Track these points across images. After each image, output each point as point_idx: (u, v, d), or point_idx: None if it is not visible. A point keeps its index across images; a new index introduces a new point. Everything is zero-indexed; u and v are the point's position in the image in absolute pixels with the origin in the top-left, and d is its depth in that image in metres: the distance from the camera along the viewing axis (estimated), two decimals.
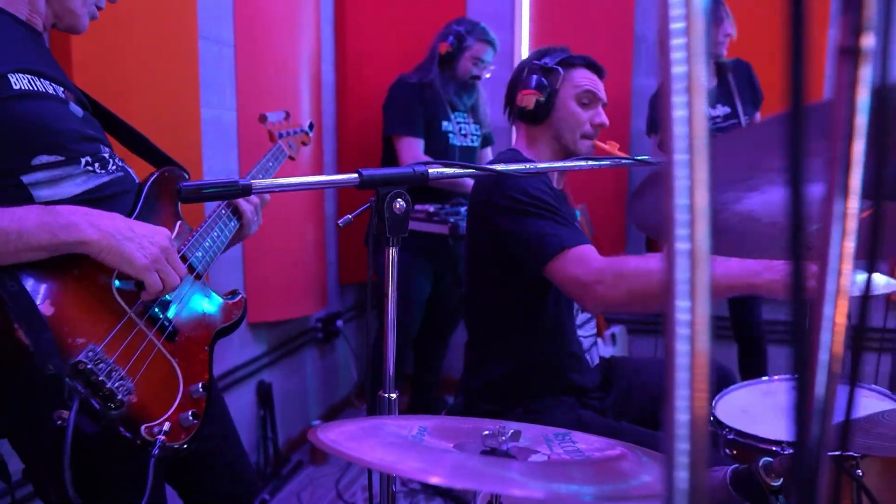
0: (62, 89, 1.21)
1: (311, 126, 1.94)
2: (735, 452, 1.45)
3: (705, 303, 0.34)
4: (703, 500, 0.35)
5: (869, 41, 0.41)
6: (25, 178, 1.11)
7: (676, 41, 0.33)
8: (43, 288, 1.07)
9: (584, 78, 1.69)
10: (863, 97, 0.43)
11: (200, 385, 1.23)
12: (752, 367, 2.80)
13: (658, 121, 2.70)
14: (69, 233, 1.07)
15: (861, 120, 0.44)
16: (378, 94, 2.91)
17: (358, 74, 3.26)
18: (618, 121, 3.20)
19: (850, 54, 0.43)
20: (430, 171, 1.14)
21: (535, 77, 1.68)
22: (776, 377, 1.74)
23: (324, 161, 3.00)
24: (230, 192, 0.98)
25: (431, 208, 2.61)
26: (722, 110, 2.64)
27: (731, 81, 2.62)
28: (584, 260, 1.42)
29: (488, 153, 3.05)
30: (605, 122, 1.69)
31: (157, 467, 1.11)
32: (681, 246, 0.33)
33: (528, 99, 1.67)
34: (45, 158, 1.13)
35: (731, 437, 1.47)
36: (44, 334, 1.03)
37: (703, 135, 0.33)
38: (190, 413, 1.18)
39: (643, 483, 0.74)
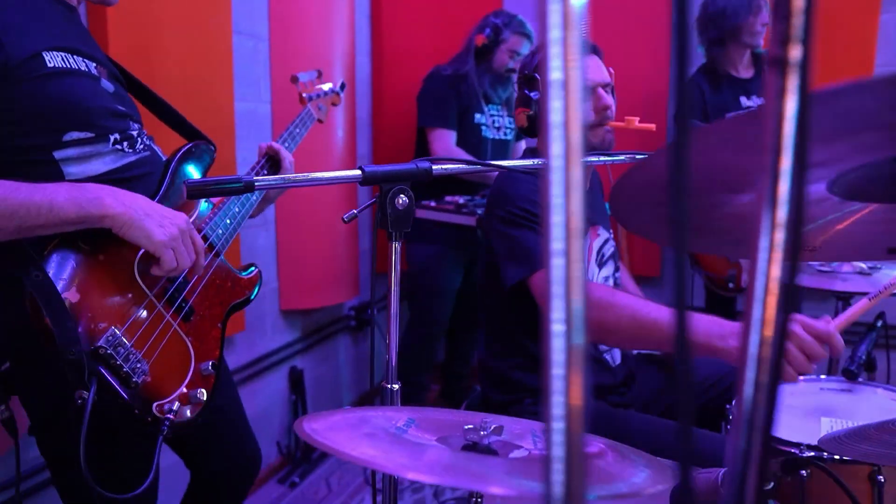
0: (95, 65, 1.27)
1: (342, 86, 1.97)
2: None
3: (580, 299, 0.35)
4: (580, 496, 0.36)
5: (797, 52, 0.42)
6: (57, 154, 1.18)
7: (553, 49, 0.34)
8: (70, 275, 1.14)
9: None
10: (791, 108, 0.43)
11: (210, 363, 1.29)
12: None
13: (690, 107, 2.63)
14: (95, 206, 1.13)
15: (789, 130, 0.44)
16: (415, 87, 2.94)
17: (395, 67, 3.29)
18: (656, 110, 3.15)
19: (778, 65, 0.43)
20: (435, 167, 1.16)
21: (523, 90, 1.65)
22: (802, 378, 1.70)
23: (358, 154, 3.04)
24: (234, 189, 1.03)
25: (461, 200, 2.63)
26: (758, 102, 2.57)
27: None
28: None
29: (522, 146, 3.05)
30: (608, 104, 1.60)
31: (161, 442, 1.17)
32: (556, 246, 0.34)
33: (521, 118, 1.65)
34: (75, 135, 1.19)
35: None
36: (67, 322, 1.09)
37: (578, 139, 0.34)
38: (199, 391, 1.23)
39: (613, 482, 0.74)
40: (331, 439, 0.76)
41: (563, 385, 0.35)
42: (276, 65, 2.50)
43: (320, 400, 2.89)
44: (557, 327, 0.35)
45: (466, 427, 0.87)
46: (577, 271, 0.35)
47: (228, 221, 1.44)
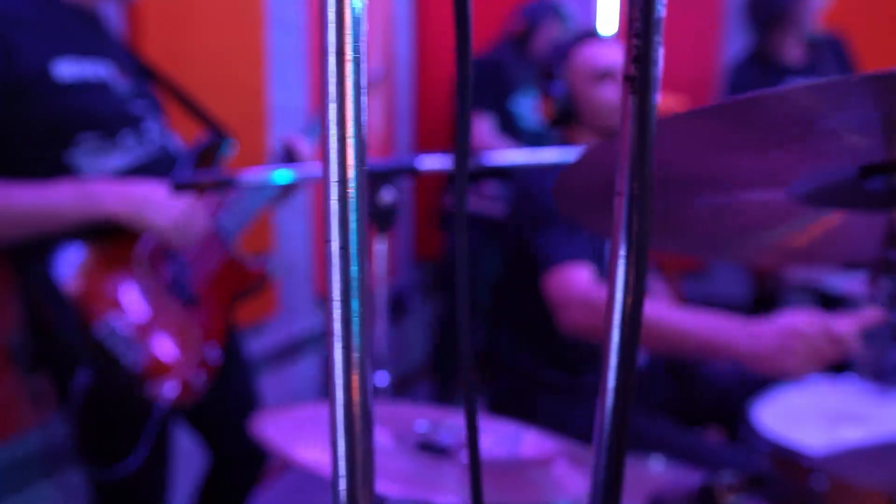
0: (108, 66, 1.31)
1: (379, 75, 1.97)
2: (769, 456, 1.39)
3: (366, 302, 0.35)
4: (366, 496, 0.36)
5: (645, 70, 0.41)
6: (66, 156, 1.24)
7: (330, 56, 0.34)
8: (73, 265, 1.20)
9: (592, 55, 1.54)
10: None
11: (213, 349, 1.33)
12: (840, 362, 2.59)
13: (735, 93, 2.54)
14: (97, 209, 1.20)
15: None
16: None
17: (440, 54, 3.28)
18: (705, 91, 3.03)
19: (629, 83, 0.42)
20: (423, 164, 1.17)
21: (548, 81, 1.61)
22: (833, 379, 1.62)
23: (396, 142, 3.06)
24: (217, 185, 1.07)
25: (492, 190, 2.62)
26: None
27: (822, 58, 2.42)
28: (567, 281, 1.41)
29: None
30: None
31: (161, 423, 1.23)
32: (333, 246, 0.35)
33: (547, 108, 1.61)
34: (84, 138, 1.25)
35: (765, 447, 1.40)
36: (64, 315, 1.17)
37: (356, 146, 0.35)
38: (200, 374, 1.29)
39: (548, 492, 0.73)
40: (275, 438, 0.77)
41: (343, 387, 0.35)
42: (313, 54, 2.54)
43: None
44: (336, 326, 0.35)
45: (419, 427, 0.87)
46: (354, 276, 0.35)
47: (240, 213, 1.48)
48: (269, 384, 2.36)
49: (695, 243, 0.86)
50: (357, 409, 0.36)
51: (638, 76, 0.41)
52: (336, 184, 0.34)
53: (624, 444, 0.44)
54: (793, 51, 2.55)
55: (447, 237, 2.87)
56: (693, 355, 1.35)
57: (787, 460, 1.34)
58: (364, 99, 0.35)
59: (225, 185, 1.07)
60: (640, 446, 1.43)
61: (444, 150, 2.99)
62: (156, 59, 1.58)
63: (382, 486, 0.72)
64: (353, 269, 0.35)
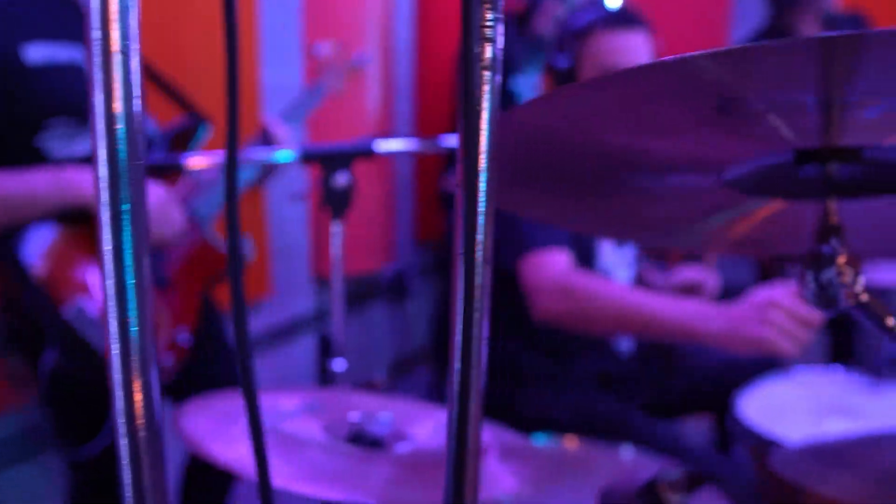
0: (82, 48, 1.32)
1: (364, 59, 1.97)
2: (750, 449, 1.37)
3: (144, 304, 0.34)
4: (160, 495, 0.35)
5: (487, 50, 0.39)
6: (38, 140, 1.25)
7: (94, 46, 0.32)
8: (42, 247, 1.21)
9: (606, 45, 1.49)
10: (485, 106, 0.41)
11: (185, 331, 1.34)
12: (842, 351, 2.53)
13: None
14: (74, 196, 1.21)
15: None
16: None
17: (442, 31, 3.22)
18: None
19: (463, 60, 0.40)
20: (381, 146, 1.15)
21: (556, 52, 1.56)
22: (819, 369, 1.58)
23: (397, 121, 3.03)
24: (165, 168, 1.07)
25: None
26: None
27: None
28: (542, 266, 1.39)
29: None
30: None
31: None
32: (105, 249, 0.33)
33: (550, 85, 1.58)
34: (56, 123, 1.26)
35: (745, 437, 1.37)
36: (33, 295, 1.18)
37: (125, 138, 0.33)
38: (169, 357, 1.29)
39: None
40: (195, 432, 0.75)
41: (123, 391, 0.34)
42: (309, 32, 2.51)
43: (351, 369, 2.95)
44: (112, 330, 0.34)
45: (352, 418, 0.85)
46: (130, 276, 0.33)
47: (215, 196, 1.48)
48: (263, 366, 2.38)
49: (635, 231, 0.83)
50: (139, 414, 0.34)
51: (463, 54, 0.39)
52: (105, 181, 0.32)
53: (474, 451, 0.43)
54: (809, 30, 2.46)
55: (447, 217, 2.85)
56: (672, 340, 1.34)
57: (763, 452, 1.31)
58: (137, 91, 0.33)
59: (176, 168, 1.06)
60: (618, 436, 1.41)
61: (444, 131, 2.95)
62: (144, 39, 1.54)
63: (301, 484, 0.70)
64: (128, 271, 0.33)
